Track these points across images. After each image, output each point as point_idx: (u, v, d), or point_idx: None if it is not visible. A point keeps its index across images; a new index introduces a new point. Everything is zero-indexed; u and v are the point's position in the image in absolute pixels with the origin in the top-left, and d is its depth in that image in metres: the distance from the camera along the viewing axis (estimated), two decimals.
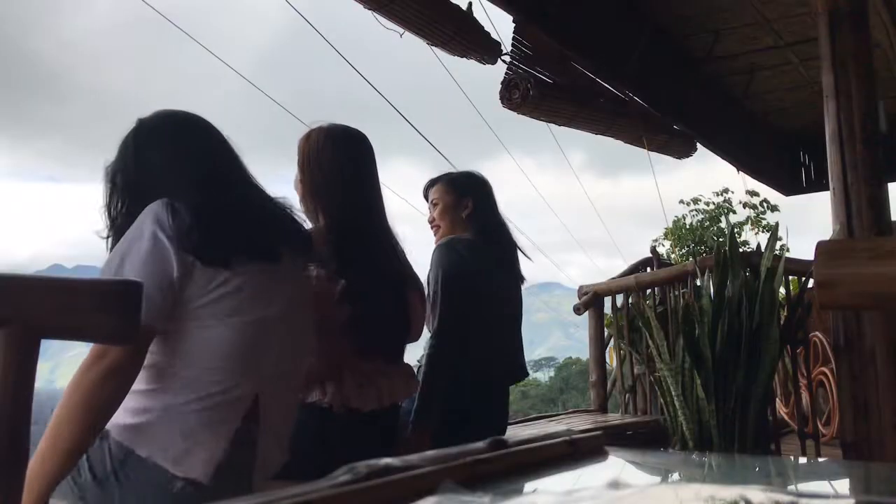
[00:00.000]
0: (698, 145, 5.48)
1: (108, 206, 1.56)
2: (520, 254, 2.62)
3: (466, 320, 2.32)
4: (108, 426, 1.40)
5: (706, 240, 9.41)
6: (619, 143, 5.06)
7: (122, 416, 1.41)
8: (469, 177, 2.59)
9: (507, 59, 4.01)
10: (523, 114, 4.24)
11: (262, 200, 1.62)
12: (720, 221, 9.76)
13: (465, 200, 2.50)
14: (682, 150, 5.40)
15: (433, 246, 2.48)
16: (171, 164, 1.56)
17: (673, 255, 8.16)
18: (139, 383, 1.41)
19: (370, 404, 1.90)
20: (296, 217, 1.70)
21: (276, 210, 1.63)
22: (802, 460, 3.30)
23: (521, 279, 2.60)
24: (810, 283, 3.56)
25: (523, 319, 2.65)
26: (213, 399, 1.43)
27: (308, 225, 1.87)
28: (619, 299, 4.61)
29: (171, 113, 1.65)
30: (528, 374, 2.66)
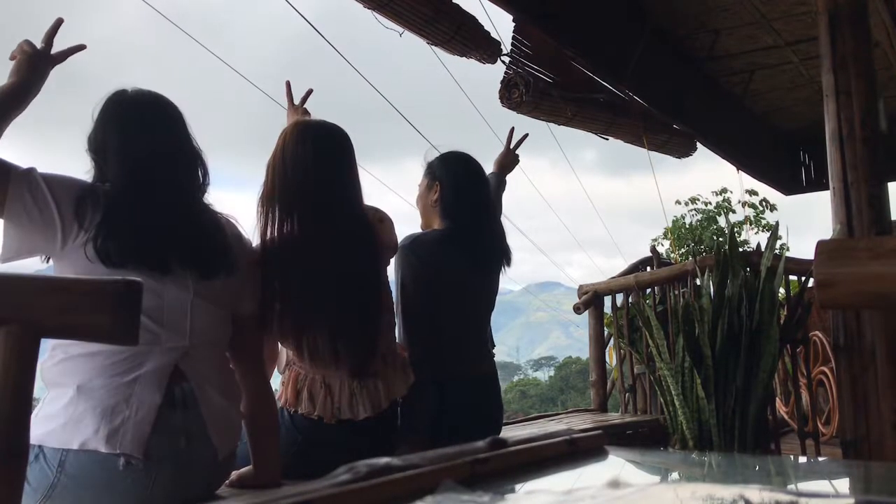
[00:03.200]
0: (698, 145, 5.48)
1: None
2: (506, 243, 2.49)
3: (431, 323, 2.24)
4: (39, 440, 1.45)
5: (705, 239, 9.41)
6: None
7: (45, 424, 1.45)
8: (442, 159, 2.41)
9: (507, 58, 4.01)
10: (523, 113, 4.23)
11: (184, 209, 1.63)
12: (718, 221, 9.77)
13: (434, 185, 2.36)
14: (682, 149, 5.40)
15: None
16: (110, 147, 1.61)
17: (673, 255, 8.15)
18: (54, 386, 1.47)
19: (364, 413, 1.88)
20: (224, 232, 1.69)
21: (196, 222, 1.63)
22: (802, 460, 3.30)
23: (497, 269, 2.43)
24: (810, 283, 3.56)
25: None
26: (123, 375, 1.47)
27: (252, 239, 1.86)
28: (620, 299, 4.61)
29: (133, 98, 1.66)
30: (493, 367, 2.50)
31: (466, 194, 2.36)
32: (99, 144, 1.62)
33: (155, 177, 1.60)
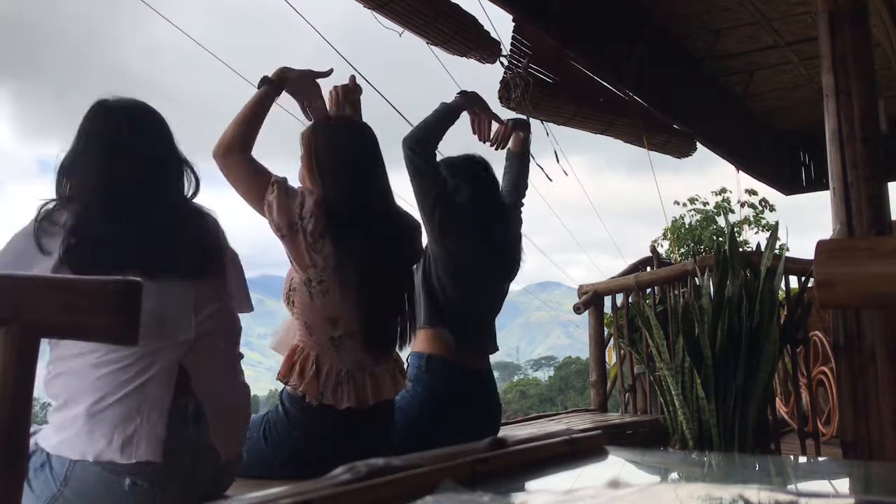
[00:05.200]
0: (698, 145, 5.48)
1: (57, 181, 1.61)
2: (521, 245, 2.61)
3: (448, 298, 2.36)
4: (50, 450, 1.44)
5: (704, 239, 9.40)
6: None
7: (58, 434, 1.44)
8: (464, 162, 2.53)
9: (506, 58, 4.01)
10: (523, 114, 4.23)
11: (169, 214, 1.62)
12: (717, 221, 9.76)
13: (458, 186, 2.45)
14: (681, 149, 5.40)
15: None
16: (90, 159, 1.59)
17: (673, 255, 8.15)
18: (58, 397, 1.45)
19: (346, 402, 1.90)
20: (209, 233, 1.69)
21: (183, 224, 1.64)
22: (802, 459, 3.30)
23: (509, 273, 2.55)
24: (810, 283, 3.56)
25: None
26: (132, 381, 1.45)
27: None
28: (620, 299, 4.61)
29: (115, 107, 1.66)
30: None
31: (486, 199, 2.48)
32: (77, 156, 1.60)
33: (140, 185, 1.59)
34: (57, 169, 1.60)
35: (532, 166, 2.77)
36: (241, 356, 1.71)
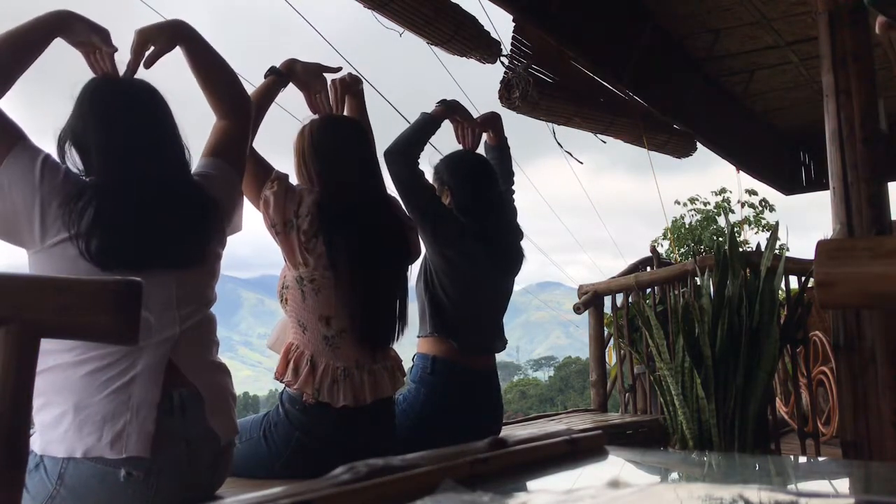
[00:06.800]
0: (698, 145, 5.48)
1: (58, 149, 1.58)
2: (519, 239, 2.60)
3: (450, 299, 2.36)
4: (40, 450, 1.43)
5: (704, 239, 9.41)
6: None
7: (45, 434, 1.42)
8: (449, 163, 2.53)
9: (506, 58, 4.01)
10: (523, 113, 4.23)
11: (165, 199, 1.57)
12: (716, 222, 9.77)
13: (444, 190, 2.47)
14: (681, 149, 5.40)
15: None
16: (90, 140, 1.55)
17: (673, 255, 8.14)
18: (38, 396, 1.41)
19: (343, 401, 1.89)
20: (205, 205, 1.63)
21: (176, 211, 1.58)
22: (802, 459, 3.30)
23: (513, 269, 2.55)
24: (810, 283, 3.56)
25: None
26: (116, 380, 1.44)
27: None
28: (620, 299, 4.61)
29: (116, 86, 1.62)
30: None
31: (477, 195, 2.46)
32: (79, 135, 1.55)
33: (142, 171, 1.55)
34: (65, 137, 1.56)
35: (559, 156, 2.76)
36: (217, 342, 1.67)
